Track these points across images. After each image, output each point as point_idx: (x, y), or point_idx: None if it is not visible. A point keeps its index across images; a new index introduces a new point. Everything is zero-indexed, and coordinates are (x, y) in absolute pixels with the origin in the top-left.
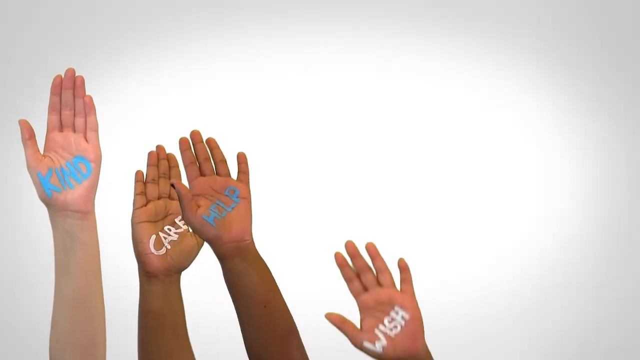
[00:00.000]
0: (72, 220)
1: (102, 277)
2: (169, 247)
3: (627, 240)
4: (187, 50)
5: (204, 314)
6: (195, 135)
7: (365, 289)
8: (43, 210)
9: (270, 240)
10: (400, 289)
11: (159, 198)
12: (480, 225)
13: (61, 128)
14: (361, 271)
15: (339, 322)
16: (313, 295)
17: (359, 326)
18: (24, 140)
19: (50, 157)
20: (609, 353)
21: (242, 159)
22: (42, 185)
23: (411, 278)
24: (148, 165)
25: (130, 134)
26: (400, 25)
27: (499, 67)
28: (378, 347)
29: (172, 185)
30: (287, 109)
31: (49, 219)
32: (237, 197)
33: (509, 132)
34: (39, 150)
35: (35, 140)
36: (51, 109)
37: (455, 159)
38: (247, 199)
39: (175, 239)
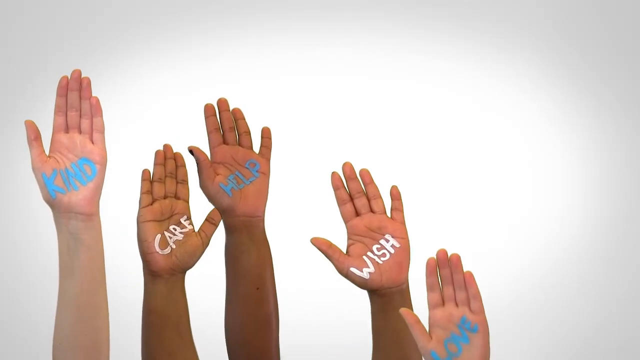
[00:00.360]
0: (76, 222)
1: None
2: (173, 246)
3: (627, 240)
4: (187, 50)
5: (208, 314)
6: (222, 103)
7: (357, 214)
8: (43, 210)
9: (270, 240)
10: (391, 216)
11: (165, 197)
12: (480, 225)
13: (67, 129)
14: (355, 195)
15: (325, 246)
16: (313, 295)
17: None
18: (29, 141)
19: (55, 158)
20: (609, 353)
21: (266, 134)
22: (47, 187)
23: (403, 207)
24: (155, 164)
25: (131, 134)
26: (400, 25)
27: (499, 67)
28: (365, 273)
29: (191, 152)
30: (287, 109)
31: (53, 221)
32: (256, 172)
33: (509, 132)
34: (44, 152)
35: (41, 141)
36: (57, 110)
37: (455, 159)
38: (267, 175)
39: (180, 238)
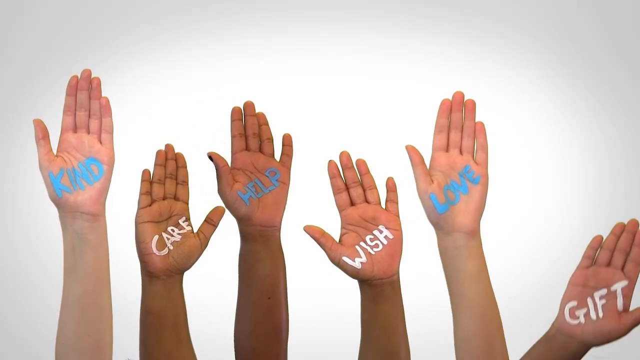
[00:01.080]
0: (81, 222)
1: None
2: (171, 247)
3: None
4: (187, 50)
5: (208, 315)
6: (248, 106)
7: (352, 203)
8: (43, 210)
9: None
10: (386, 208)
11: (164, 198)
12: (480, 224)
13: (75, 129)
14: (351, 185)
15: (318, 234)
16: (313, 293)
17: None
18: (37, 140)
19: (62, 158)
20: (609, 353)
21: (287, 141)
22: (53, 185)
23: (397, 199)
24: (155, 164)
25: (131, 134)
26: (400, 25)
27: (499, 67)
28: (357, 263)
29: (210, 158)
30: (287, 109)
31: (55, 220)
32: (276, 181)
33: (508, 132)
34: (51, 150)
35: (49, 140)
36: (66, 110)
37: None
38: (286, 184)
39: (178, 239)
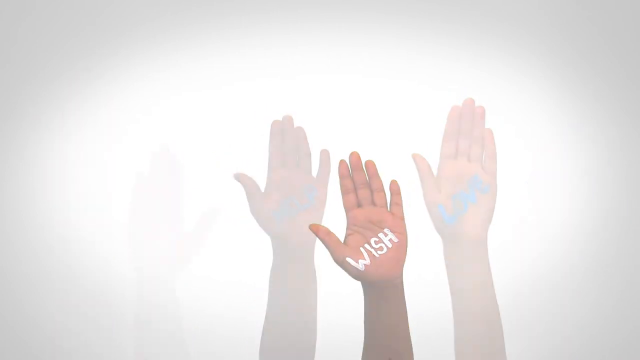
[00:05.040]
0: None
1: (100, 280)
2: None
3: (628, 241)
4: (188, 49)
5: (204, 314)
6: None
7: (359, 204)
8: (42, 210)
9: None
10: (391, 210)
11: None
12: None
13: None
14: (359, 186)
15: (323, 233)
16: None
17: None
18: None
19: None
20: (609, 353)
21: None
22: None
23: (402, 202)
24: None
25: (131, 134)
26: (400, 25)
27: (499, 67)
28: (360, 265)
29: (237, 179)
30: (288, 111)
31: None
32: (313, 198)
33: (509, 132)
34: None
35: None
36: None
37: None
38: (323, 201)
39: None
